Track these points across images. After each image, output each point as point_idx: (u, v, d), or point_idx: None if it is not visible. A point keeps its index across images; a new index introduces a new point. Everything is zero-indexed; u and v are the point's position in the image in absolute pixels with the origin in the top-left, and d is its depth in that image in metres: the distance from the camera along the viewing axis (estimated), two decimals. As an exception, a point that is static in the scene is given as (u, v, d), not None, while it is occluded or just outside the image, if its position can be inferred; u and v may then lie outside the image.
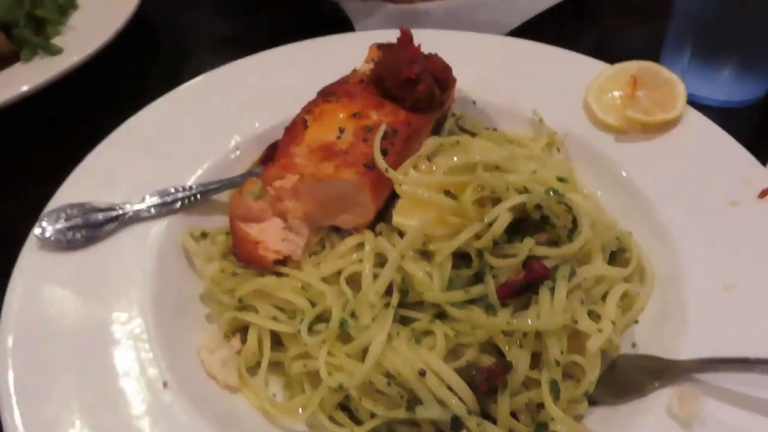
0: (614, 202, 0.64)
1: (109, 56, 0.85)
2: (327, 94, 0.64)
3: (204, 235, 0.62)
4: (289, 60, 0.76)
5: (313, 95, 0.67)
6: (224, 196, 0.65)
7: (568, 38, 0.90)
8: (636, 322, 0.55)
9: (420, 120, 0.61)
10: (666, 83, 0.68)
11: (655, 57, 0.86)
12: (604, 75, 0.70)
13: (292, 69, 0.75)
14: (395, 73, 0.60)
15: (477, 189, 0.51)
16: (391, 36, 0.77)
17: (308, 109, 0.62)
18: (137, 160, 0.64)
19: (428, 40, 0.77)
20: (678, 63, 0.83)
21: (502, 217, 0.50)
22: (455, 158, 0.54)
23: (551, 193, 0.50)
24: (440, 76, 0.62)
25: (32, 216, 0.58)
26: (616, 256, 0.59)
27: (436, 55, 0.65)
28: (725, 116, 0.81)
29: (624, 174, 0.64)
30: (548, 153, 0.68)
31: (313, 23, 0.87)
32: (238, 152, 0.68)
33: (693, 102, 0.78)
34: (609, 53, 0.89)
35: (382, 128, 0.57)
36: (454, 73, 0.68)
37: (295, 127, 0.61)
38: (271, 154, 0.68)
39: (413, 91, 0.60)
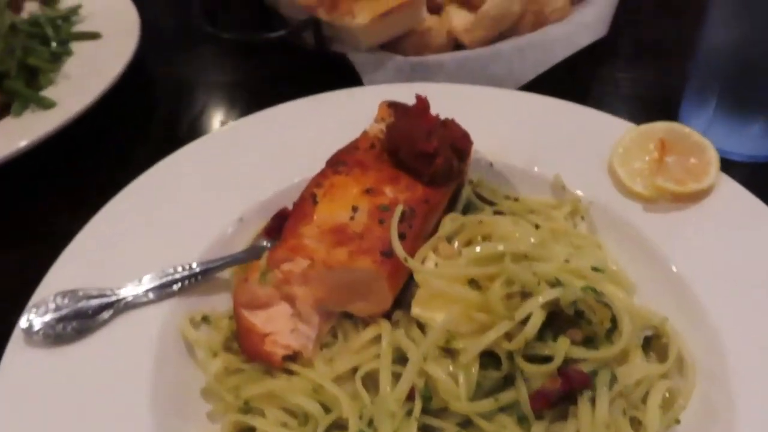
0: (643, 276, 0.60)
1: (105, 103, 0.81)
2: (337, 163, 0.60)
3: (205, 319, 0.57)
4: (295, 119, 0.72)
5: (320, 157, 0.64)
6: (227, 272, 0.61)
7: (583, 87, 0.87)
8: (677, 422, 0.50)
9: (438, 195, 0.57)
10: (696, 148, 0.64)
11: (677, 106, 0.83)
12: (629, 137, 0.66)
13: (298, 128, 0.71)
14: (411, 145, 0.56)
15: (505, 283, 0.47)
16: (401, 90, 0.74)
17: (317, 182, 0.58)
18: (132, 236, 0.60)
19: (441, 95, 0.73)
20: (702, 114, 0.79)
21: (535, 316, 0.45)
22: (478, 248, 0.49)
23: (588, 290, 0.46)
24: (459, 145, 0.58)
25: (17, 305, 0.53)
26: (651, 342, 0.55)
27: (453, 121, 0.61)
28: (750, 172, 0.78)
29: (654, 247, 0.60)
30: (572, 221, 0.64)
31: (318, 69, 0.84)
32: (241, 222, 0.63)
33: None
34: (627, 103, 0.86)
35: (399, 209, 0.52)
36: (469, 130, 0.64)
37: (304, 204, 0.56)
38: (277, 225, 0.64)
39: (431, 165, 0.56)
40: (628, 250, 0.62)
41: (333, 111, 0.72)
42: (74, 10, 0.96)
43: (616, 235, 0.63)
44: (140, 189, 0.63)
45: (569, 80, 0.83)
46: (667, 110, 0.83)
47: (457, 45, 0.80)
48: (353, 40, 0.75)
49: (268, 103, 0.78)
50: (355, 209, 0.54)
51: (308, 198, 0.56)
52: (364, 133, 0.65)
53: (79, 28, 0.95)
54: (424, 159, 0.56)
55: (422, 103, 0.61)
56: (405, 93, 0.72)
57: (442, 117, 0.64)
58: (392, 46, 0.78)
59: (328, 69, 0.80)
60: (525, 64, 0.78)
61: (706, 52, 0.78)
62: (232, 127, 0.70)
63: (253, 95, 0.83)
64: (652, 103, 0.86)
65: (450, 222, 0.55)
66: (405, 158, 0.57)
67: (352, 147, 0.63)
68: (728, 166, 0.76)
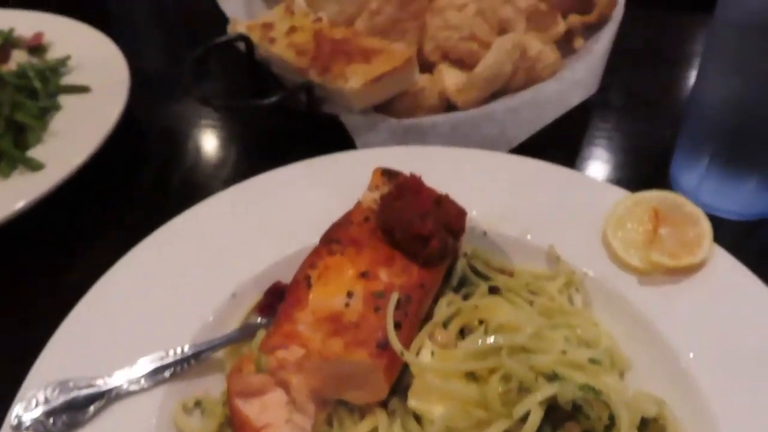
0: (638, 351, 0.60)
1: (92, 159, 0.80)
2: (331, 241, 0.59)
3: (199, 404, 0.56)
4: (287, 186, 0.71)
5: (314, 226, 0.63)
6: (221, 352, 0.60)
7: (574, 141, 0.88)
8: None
9: (433, 276, 0.57)
10: (690, 219, 0.64)
11: (670, 158, 0.83)
12: (623, 205, 0.66)
13: (291, 196, 0.70)
14: (405, 228, 0.56)
15: (503, 379, 0.47)
16: (395, 154, 0.74)
17: (312, 262, 0.58)
18: (121, 319, 0.58)
19: (435, 159, 0.73)
20: (694, 171, 0.79)
21: (534, 414, 0.45)
22: (475, 342, 0.49)
23: (587, 390, 0.46)
24: (453, 226, 0.58)
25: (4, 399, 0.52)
26: (648, 424, 0.55)
27: (447, 198, 0.60)
28: (742, 230, 0.79)
29: (649, 322, 0.60)
30: (567, 294, 0.64)
31: (310, 129, 0.83)
32: (234, 298, 0.63)
33: (707, 216, 0.76)
34: (619, 156, 0.87)
35: (395, 297, 0.52)
36: (463, 196, 0.64)
37: (299, 287, 0.56)
38: (271, 302, 0.63)
39: (426, 248, 0.55)
40: (623, 324, 0.62)
41: (326, 176, 0.72)
42: (63, 62, 0.95)
43: (612, 308, 0.63)
44: (128, 268, 0.62)
45: (560, 134, 0.83)
46: (660, 165, 0.84)
47: (449, 104, 0.80)
48: (346, 102, 0.75)
49: (261, 162, 0.78)
50: (350, 295, 0.54)
51: (302, 281, 0.56)
52: (358, 204, 0.65)
53: (67, 79, 0.94)
54: (419, 242, 0.55)
55: (416, 182, 0.60)
56: (399, 156, 0.73)
57: (436, 182, 0.64)
58: (385, 106, 0.78)
59: (320, 129, 0.79)
60: (518, 124, 0.78)
61: (698, 108, 0.78)
62: (223, 197, 0.69)
63: (245, 155, 0.82)
64: (644, 157, 0.87)
65: (446, 306, 0.54)
66: (399, 240, 0.57)
67: (346, 221, 0.62)
68: (719, 223, 0.77)
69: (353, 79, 0.73)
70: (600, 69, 0.87)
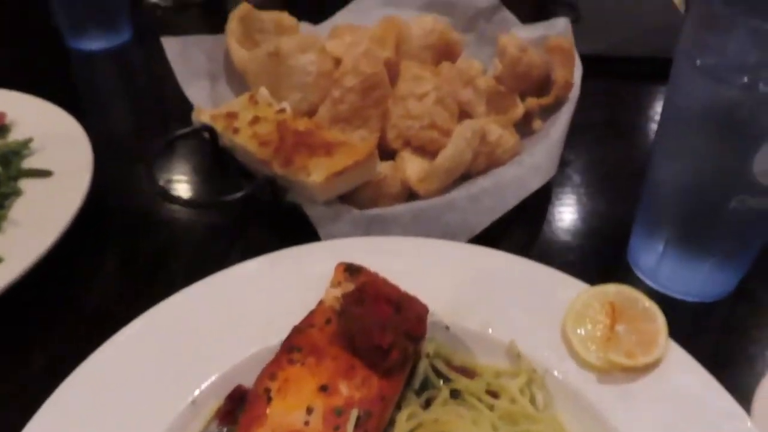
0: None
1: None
2: (291, 349, 0.59)
3: None
4: (248, 282, 0.71)
5: (277, 325, 0.64)
6: (178, 464, 0.59)
7: (533, 221, 0.89)
8: None
9: (393, 385, 0.57)
10: (646, 314, 0.66)
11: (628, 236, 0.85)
12: (581, 300, 0.68)
13: (253, 293, 0.70)
14: (365, 339, 0.56)
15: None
16: (358, 245, 0.74)
17: (271, 372, 0.57)
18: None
19: (397, 250, 0.74)
20: (651, 252, 0.81)
21: None
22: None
23: None
24: (415, 332, 0.59)
25: None
26: None
27: (408, 299, 0.61)
28: (696, 312, 0.81)
29: (610, 422, 0.61)
30: (529, 392, 0.64)
31: (274, 219, 0.84)
32: (194, 405, 0.62)
33: (664, 297, 0.78)
34: (576, 236, 0.89)
35: (354, 416, 0.52)
36: (425, 289, 0.65)
37: (258, 401, 0.55)
38: (232, 408, 0.62)
39: (386, 359, 0.56)
40: (583, 422, 0.63)
41: (289, 271, 0.72)
42: (25, 144, 0.95)
43: (573, 406, 0.63)
44: (82, 377, 0.61)
45: (518, 218, 0.85)
46: (620, 244, 0.86)
47: (412, 192, 0.81)
48: (309, 194, 0.76)
49: (223, 253, 0.78)
50: (309, 411, 0.53)
51: (262, 394, 0.55)
52: (320, 304, 0.65)
53: (30, 162, 0.93)
54: (379, 353, 0.56)
55: (376, 284, 0.61)
56: (362, 248, 0.74)
57: (399, 275, 0.65)
58: (348, 195, 0.79)
59: (284, 218, 0.80)
60: (479, 212, 0.79)
61: (651, 191, 0.81)
62: (181, 297, 0.69)
63: (210, 245, 0.81)
64: (603, 237, 0.89)
65: (406, 421, 0.54)
66: (359, 349, 0.57)
67: (307, 324, 0.62)
68: (677, 305, 0.79)
69: (315, 173, 0.74)
70: (558, 152, 0.90)
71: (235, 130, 0.79)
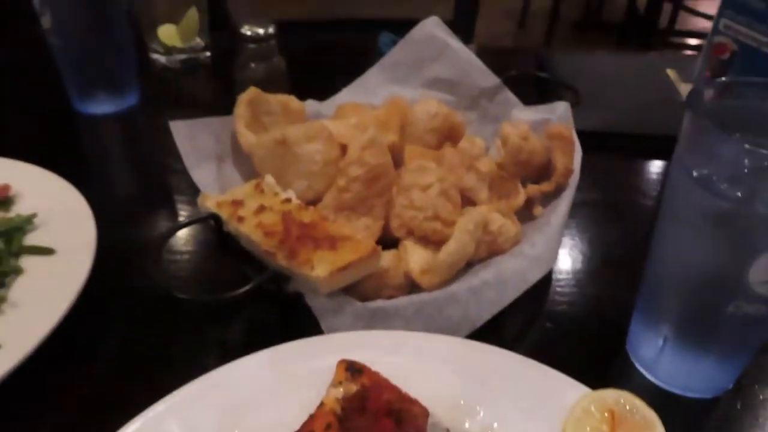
0: None
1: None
2: (292, 459, 0.59)
3: None
4: (251, 380, 0.71)
5: (279, 425, 0.63)
6: None
7: (532, 321, 0.89)
8: None
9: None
10: (645, 424, 0.66)
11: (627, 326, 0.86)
12: (581, 406, 0.68)
13: (255, 391, 0.70)
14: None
15: None
16: (360, 340, 0.75)
17: (272, 486, 0.57)
18: None
19: (399, 345, 0.74)
20: (650, 346, 0.82)
21: None
22: None
23: None
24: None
25: None
26: None
27: (409, 407, 0.61)
28: (695, 408, 0.81)
29: None
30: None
31: (277, 309, 0.84)
32: None
33: (663, 392, 0.78)
34: (576, 324, 0.89)
35: None
36: (425, 387, 0.65)
37: None
38: None
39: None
40: None
41: (289, 368, 0.72)
42: (29, 219, 0.95)
43: None
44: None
45: (517, 311, 0.85)
46: (620, 335, 0.86)
47: (414, 283, 0.82)
48: (312, 286, 0.76)
49: (225, 347, 0.78)
50: None
51: None
52: (321, 407, 0.65)
53: (32, 238, 0.93)
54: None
55: (377, 394, 0.61)
56: (364, 342, 0.74)
57: (400, 371, 0.65)
58: (350, 286, 0.79)
59: (287, 309, 0.80)
60: (480, 305, 0.79)
61: (650, 283, 0.82)
62: (178, 397, 0.68)
63: (207, 334, 0.81)
64: (600, 324, 0.89)
65: None
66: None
67: (308, 426, 0.62)
68: (676, 400, 0.79)
69: (319, 267, 0.74)
70: (559, 240, 0.91)
71: (240, 219, 0.80)
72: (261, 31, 1.16)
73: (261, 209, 0.81)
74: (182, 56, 1.56)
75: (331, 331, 0.76)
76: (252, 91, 0.94)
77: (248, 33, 1.16)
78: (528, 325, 0.87)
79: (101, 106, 1.33)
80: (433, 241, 0.84)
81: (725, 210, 0.65)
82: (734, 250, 0.67)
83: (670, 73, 1.47)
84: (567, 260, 0.98)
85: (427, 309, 0.78)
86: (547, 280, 0.93)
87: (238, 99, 0.95)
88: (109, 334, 0.86)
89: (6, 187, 1.01)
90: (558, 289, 0.94)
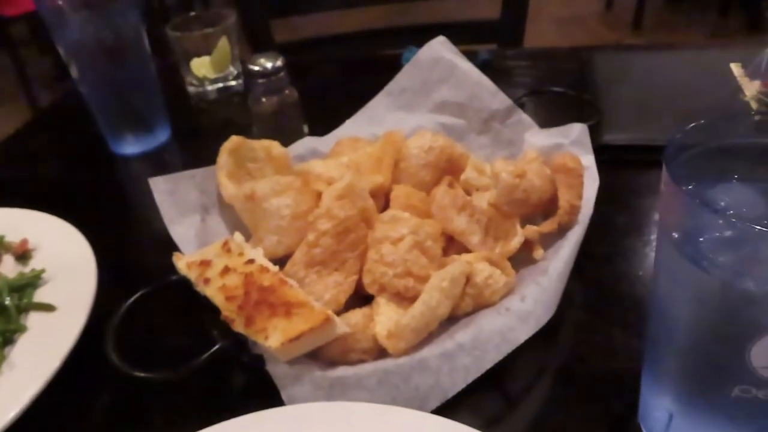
0: None
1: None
2: None
3: None
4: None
5: None
6: None
7: (519, 390, 0.79)
8: None
9: None
10: None
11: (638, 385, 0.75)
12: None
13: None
14: None
15: None
16: (318, 415, 0.71)
17: None
18: None
19: (358, 420, 0.69)
20: (659, 418, 0.71)
21: None
22: None
23: None
24: None
25: None
26: None
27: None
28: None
29: None
30: None
31: (235, 376, 0.81)
32: None
33: None
34: (579, 388, 0.79)
35: None
36: None
37: None
38: None
39: None
40: None
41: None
42: (38, 275, 1.00)
43: None
44: None
45: (502, 374, 0.77)
46: (627, 396, 0.76)
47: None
48: (270, 353, 0.73)
49: (194, 417, 0.77)
50: None
51: None
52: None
53: (39, 292, 0.97)
54: None
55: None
56: (322, 416, 0.70)
57: None
58: (316, 350, 0.75)
59: (251, 377, 0.78)
60: (453, 373, 0.73)
61: (653, 357, 0.70)
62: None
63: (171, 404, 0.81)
64: (612, 388, 0.79)
65: None
66: None
67: None
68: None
69: (273, 337, 0.71)
70: (557, 292, 0.81)
71: (206, 281, 0.78)
72: (269, 65, 1.14)
73: (226, 271, 0.79)
74: (216, 86, 1.58)
75: (292, 401, 0.73)
76: (234, 140, 0.92)
77: (256, 68, 1.14)
78: (522, 388, 0.79)
79: (133, 147, 1.38)
80: (407, 298, 0.78)
81: (714, 289, 0.54)
82: (730, 330, 0.55)
83: (734, 68, 1.28)
84: (574, 303, 0.87)
85: (391, 378, 0.72)
86: (538, 343, 0.82)
87: (221, 148, 0.93)
88: (102, 393, 0.87)
89: (24, 242, 1.07)
90: (551, 353, 0.83)
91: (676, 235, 0.55)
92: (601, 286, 0.91)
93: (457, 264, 0.78)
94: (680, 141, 0.55)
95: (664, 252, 0.58)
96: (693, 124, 0.57)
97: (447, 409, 0.73)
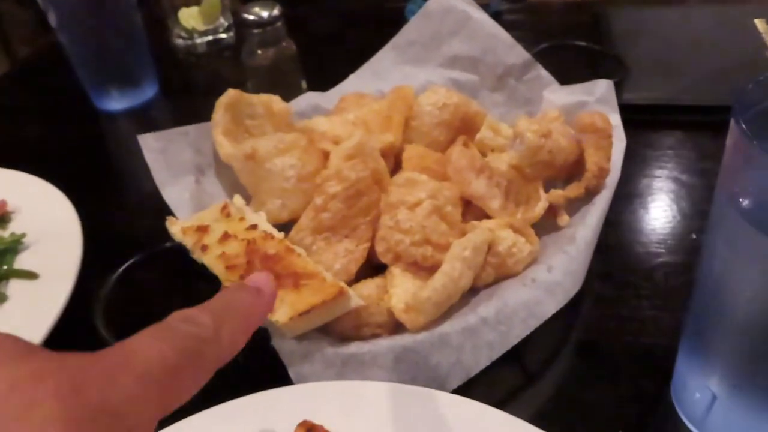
0: None
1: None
2: None
3: None
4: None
5: None
6: None
7: (545, 369, 0.74)
8: None
9: None
10: None
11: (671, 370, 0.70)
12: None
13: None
14: None
15: None
16: (329, 394, 0.65)
17: None
18: None
19: (371, 401, 0.64)
20: (696, 403, 0.66)
21: None
22: None
23: None
24: None
25: None
26: None
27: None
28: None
29: None
30: None
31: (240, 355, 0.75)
32: None
33: None
34: (611, 369, 0.74)
35: None
36: None
37: None
38: None
39: None
40: None
41: (252, 424, 0.64)
42: (18, 240, 0.92)
43: None
44: None
45: (529, 350, 0.72)
46: (661, 373, 0.71)
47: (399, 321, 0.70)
48: (276, 328, 0.67)
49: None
50: None
51: None
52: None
53: (20, 258, 0.90)
54: None
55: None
56: (333, 396, 0.64)
57: None
58: (327, 324, 0.69)
59: (254, 355, 0.71)
60: (476, 350, 0.67)
61: (699, 317, 0.65)
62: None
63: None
64: (643, 365, 0.73)
65: None
66: None
67: None
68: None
69: (279, 311, 0.64)
70: (585, 260, 0.75)
71: (204, 248, 0.71)
72: (265, 14, 1.04)
73: (225, 237, 0.72)
74: (206, 38, 1.48)
75: (300, 379, 0.67)
76: (231, 94, 0.84)
77: (251, 17, 1.05)
78: (546, 364, 0.73)
79: (118, 102, 1.29)
80: (425, 268, 0.72)
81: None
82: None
83: (759, 24, 1.21)
84: (594, 273, 0.82)
85: (409, 356, 0.66)
86: (567, 318, 0.77)
87: (216, 103, 0.85)
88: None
89: (2, 204, 0.98)
90: (586, 314, 0.79)
91: (744, 201, 0.49)
92: (626, 256, 0.85)
93: (479, 231, 0.72)
94: (750, 95, 0.49)
95: (725, 219, 0.52)
96: (761, 77, 0.50)
97: (463, 386, 0.68)
